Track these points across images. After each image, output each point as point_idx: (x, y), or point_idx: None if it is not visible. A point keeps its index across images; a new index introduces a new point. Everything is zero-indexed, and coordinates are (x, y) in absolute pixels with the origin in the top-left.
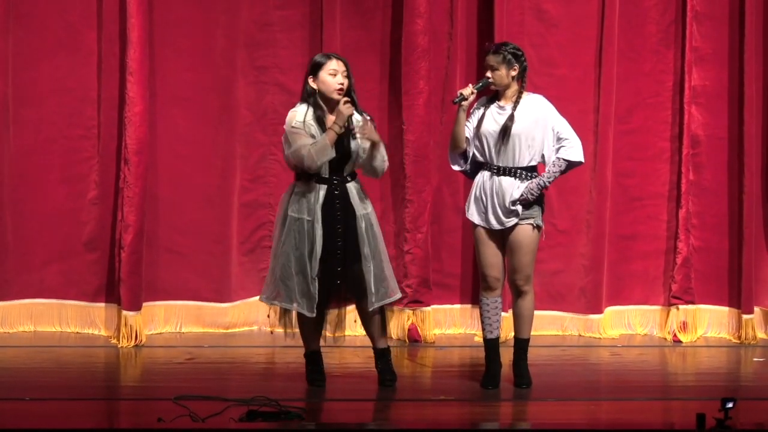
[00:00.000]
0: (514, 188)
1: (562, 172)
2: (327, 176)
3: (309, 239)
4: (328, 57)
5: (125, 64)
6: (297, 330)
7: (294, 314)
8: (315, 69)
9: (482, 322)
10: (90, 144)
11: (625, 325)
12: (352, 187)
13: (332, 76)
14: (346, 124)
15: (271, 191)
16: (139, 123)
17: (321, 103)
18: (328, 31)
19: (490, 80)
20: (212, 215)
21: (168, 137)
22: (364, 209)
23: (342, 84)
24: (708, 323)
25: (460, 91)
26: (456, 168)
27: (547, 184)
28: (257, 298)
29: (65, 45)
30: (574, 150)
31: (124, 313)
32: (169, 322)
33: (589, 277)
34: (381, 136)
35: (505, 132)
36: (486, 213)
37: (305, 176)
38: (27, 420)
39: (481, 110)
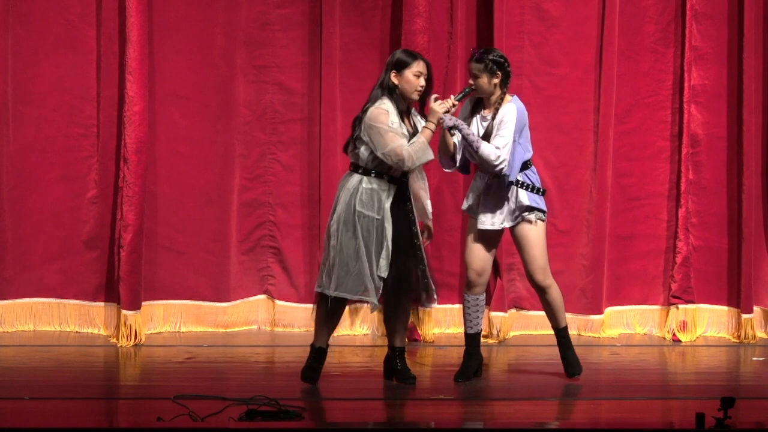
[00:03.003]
0: (505, 190)
1: (471, 144)
2: (398, 176)
3: (377, 238)
4: (415, 57)
5: (125, 63)
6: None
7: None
8: (401, 65)
9: (464, 318)
10: (89, 143)
11: (625, 325)
12: (410, 185)
13: (416, 77)
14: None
15: (270, 190)
16: (138, 122)
17: (396, 99)
18: (328, 30)
19: (472, 88)
20: (211, 214)
21: (167, 136)
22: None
23: (422, 87)
24: (707, 323)
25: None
26: (448, 170)
27: (463, 128)
28: (257, 297)
29: (65, 43)
30: (487, 148)
31: (124, 312)
32: (169, 322)
33: (590, 278)
34: None
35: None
36: (477, 211)
37: (376, 173)
38: (27, 419)
39: (468, 119)
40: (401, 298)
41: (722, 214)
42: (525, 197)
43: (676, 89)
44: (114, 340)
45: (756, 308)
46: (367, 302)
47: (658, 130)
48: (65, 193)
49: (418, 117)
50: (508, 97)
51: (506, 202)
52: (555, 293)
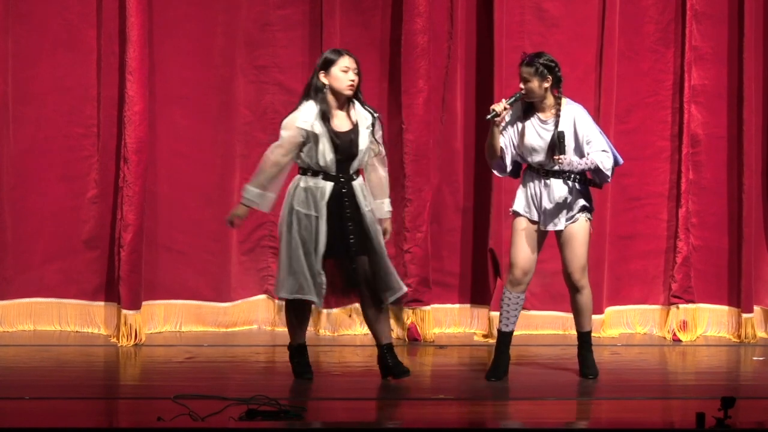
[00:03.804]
0: (564, 190)
1: (591, 170)
2: (334, 174)
3: (314, 235)
4: (340, 53)
5: (125, 63)
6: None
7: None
8: (327, 64)
9: (500, 313)
10: (90, 142)
11: (625, 325)
12: (356, 184)
13: (344, 72)
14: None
15: None
16: (138, 122)
17: (329, 99)
18: (328, 30)
19: (522, 93)
20: (212, 214)
21: (167, 136)
22: (368, 206)
23: (353, 81)
24: (708, 322)
25: (493, 107)
26: (499, 174)
27: (578, 166)
28: (257, 297)
29: (65, 43)
30: (604, 159)
31: (124, 312)
32: (169, 321)
33: (590, 277)
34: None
35: (553, 149)
36: (539, 213)
37: (312, 171)
38: (27, 419)
39: (519, 123)
40: (369, 298)
41: (722, 214)
42: (583, 197)
43: (676, 89)
44: (114, 340)
45: (756, 308)
46: (308, 301)
47: (658, 130)
48: (65, 193)
49: (364, 111)
50: (564, 99)
51: (567, 203)
52: (588, 296)
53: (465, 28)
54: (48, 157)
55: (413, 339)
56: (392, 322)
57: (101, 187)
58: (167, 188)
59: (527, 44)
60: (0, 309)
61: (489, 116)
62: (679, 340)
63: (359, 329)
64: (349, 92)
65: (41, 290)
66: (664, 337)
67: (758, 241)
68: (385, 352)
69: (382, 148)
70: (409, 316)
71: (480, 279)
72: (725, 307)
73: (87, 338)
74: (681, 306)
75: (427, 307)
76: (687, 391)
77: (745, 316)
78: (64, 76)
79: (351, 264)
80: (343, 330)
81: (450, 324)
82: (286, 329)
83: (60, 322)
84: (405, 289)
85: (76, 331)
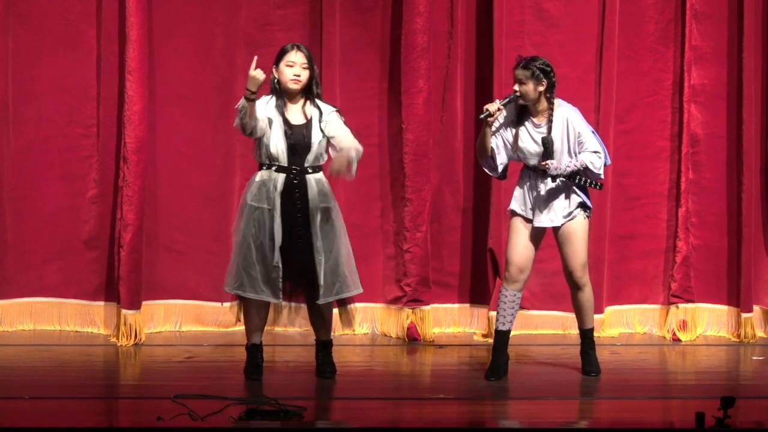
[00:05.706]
0: (560, 189)
1: (581, 170)
2: (286, 165)
3: (268, 227)
4: (290, 48)
5: (125, 63)
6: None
7: (241, 306)
8: (278, 59)
9: (497, 312)
10: (89, 142)
11: (625, 324)
12: (311, 179)
13: (289, 67)
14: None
15: None
16: (138, 121)
17: (281, 92)
18: (328, 30)
19: (517, 95)
20: (212, 214)
21: (167, 136)
22: (323, 203)
23: (298, 75)
24: (707, 322)
25: (487, 106)
26: (490, 173)
27: (566, 169)
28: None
29: (65, 43)
30: (594, 159)
31: (124, 311)
32: (169, 321)
33: (590, 277)
34: (359, 137)
35: (545, 152)
36: (534, 210)
37: (266, 165)
38: (26, 419)
39: (512, 127)
40: (308, 295)
41: (722, 214)
42: (581, 194)
43: (675, 89)
44: (114, 340)
45: (756, 307)
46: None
47: (658, 129)
48: (65, 192)
49: (319, 106)
50: (557, 101)
51: (564, 200)
52: (589, 293)
53: (465, 28)
54: (48, 157)
55: (413, 339)
56: (342, 320)
57: (101, 187)
58: (167, 188)
59: (527, 44)
60: (0, 309)
61: (482, 115)
62: (679, 340)
63: (359, 329)
64: (293, 86)
65: (41, 290)
66: (664, 337)
67: (757, 241)
68: (319, 348)
69: (339, 138)
70: (409, 316)
71: (480, 279)
72: (725, 307)
73: (87, 338)
74: (681, 306)
75: (427, 307)
76: (687, 391)
77: (744, 315)
78: (64, 76)
79: (300, 257)
80: (343, 330)
81: (450, 324)
82: (284, 329)
83: (60, 322)
84: (356, 291)
85: (76, 331)
